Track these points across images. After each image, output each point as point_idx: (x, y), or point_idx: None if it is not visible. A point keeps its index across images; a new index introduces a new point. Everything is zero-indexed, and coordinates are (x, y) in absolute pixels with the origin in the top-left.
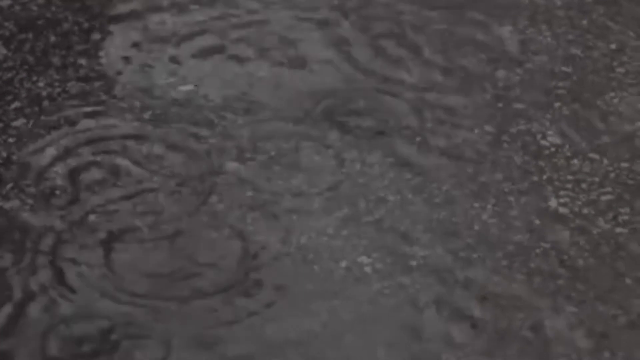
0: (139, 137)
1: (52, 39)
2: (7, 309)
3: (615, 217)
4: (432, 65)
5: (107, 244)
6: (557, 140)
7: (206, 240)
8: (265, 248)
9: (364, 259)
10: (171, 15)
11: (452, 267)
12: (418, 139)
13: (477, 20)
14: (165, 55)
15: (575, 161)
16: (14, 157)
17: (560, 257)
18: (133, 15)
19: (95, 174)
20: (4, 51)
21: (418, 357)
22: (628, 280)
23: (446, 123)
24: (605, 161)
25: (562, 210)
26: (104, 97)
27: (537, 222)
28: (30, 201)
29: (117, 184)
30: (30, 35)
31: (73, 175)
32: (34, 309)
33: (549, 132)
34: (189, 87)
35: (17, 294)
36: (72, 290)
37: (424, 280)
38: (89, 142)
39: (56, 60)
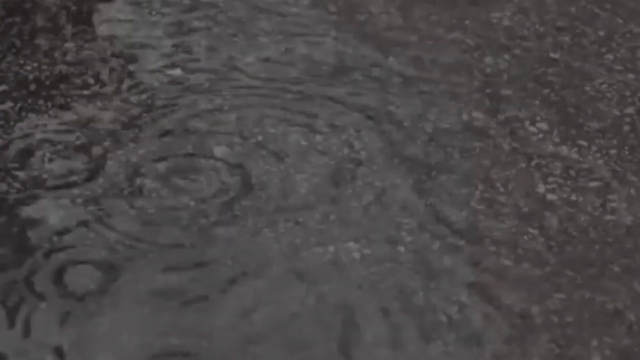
0: (126, 121)
1: (40, 22)
2: None
3: (603, 204)
4: (420, 50)
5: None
6: (546, 126)
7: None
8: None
9: (351, 245)
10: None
11: (440, 253)
12: (406, 124)
13: (466, 6)
14: (153, 39)
15: (564, 148)
16: (1, 141)
17: (548, 244)
18: None
19: (81, 158)
20: None
21: (404, 342)
22: (616, 268)
23: (434, 109)
24: (594, 148)
25: (550, 196)
26: (91, 80)
27: (525, 208)
28: (17, 185)
29: (105, 166)
30: (18, 19)
31: (61, 159)
32: None
33: (537, 119)
34: (177, 72)
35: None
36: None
37: (412, 266)
38: (77, 126)
39: (44, 44)
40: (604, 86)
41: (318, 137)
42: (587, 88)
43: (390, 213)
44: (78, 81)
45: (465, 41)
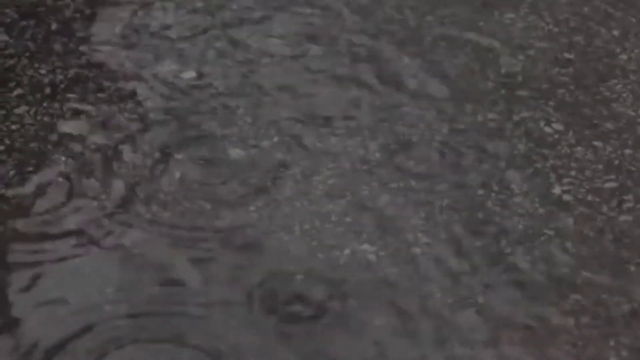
0: (141, 124)
1: (54, 25)
2: None
3: (619, 204)
4: (435, 52)
5: None
6: (560, 127)
7: None
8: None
9: (367, 247)
10: (174, 3)
11: (456, 254)
12: (421, 124)
13: (480, 7)
14: (167, 42)
15: (579, 148)
16: (17, 144)
17: (564, 245)
18: (135, 2)
19: (97, 157)
20: (6, 38)
21: (423, 345)
22: (632, 268)
23: (449, 110)
24: (609, 148)
25: (565, 197)
26: (106, 84)
27: (540, 209)
28: (32, 188)
29: (121, 169)
30: (32, 22)
31: (75, 161)
32: None
33: (552, 119)
34: (191, 74)
35: None
36: None
37: (428, 268)
38: (92, 129)
39: (58, 47)
40: (618, 86)
41: (333, 139)
42: (602, 88)
43: (405, 214)
44: (92, 84)
45: (480, 42)
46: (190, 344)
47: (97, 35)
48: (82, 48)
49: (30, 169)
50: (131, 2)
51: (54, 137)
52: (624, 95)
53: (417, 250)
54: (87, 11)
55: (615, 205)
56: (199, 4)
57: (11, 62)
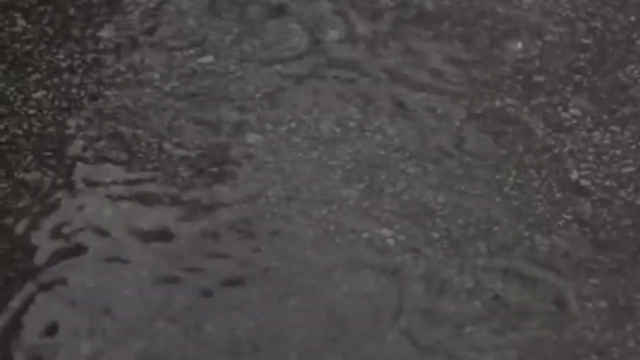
0: (160, 108)
1: (71, 10)
2: None
3: (637, 189)
4: (451, 37)
5: None
6: (578, 112)
7: None
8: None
9: (385, 231)
10: None
11: (474, 239)
12: (439, 110)
13: None
14: (185, 26)
15: (597, 133)
16: (35, 129)
17: (582, 230)
18: None
19: (114, 144)
20: (24, 23)
21: (438, 328)
22: None
23: (466, 95)
24: (627, 133)
25: (583, 182)
26: (123, 69)
27: (559, 194)
28: (51, 173)
29: (137, 156)
30: (50, 7)
31: (94, 146)
32: None
33: (570, 105)
34: (208, 59)
35: None
36: None
37: (446, 253)
38: (110, 114)
39: (75, 32)
40: (635, 72)
41: (351, 124)
42: (619, 74)
43: (423, 200)
44: (110, 70)
45: (497, 27)
46: None
47: (115, 21)
48: (100, 33)
49: (49, 154)
50: None
51: (72, 122)
52: None
53: (435, 235)
54: None
55: (633, 190)
56: None
57: (29, 47)
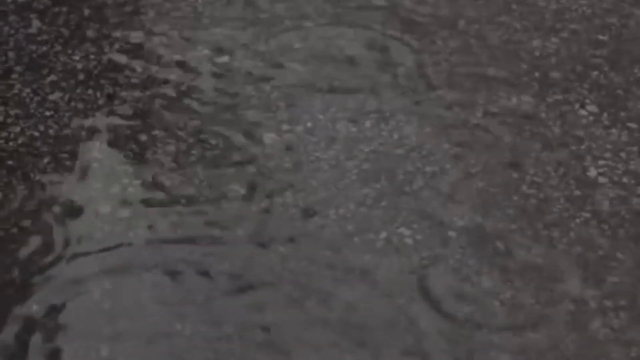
0: (175, 109)
1: (86, 12)
2: None
3: None
4: (468, 35)
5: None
6: (595, 109)
7: None
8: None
9: (403, 230)
10: None
11: (492, 237)
12: (455, 108)
13: None
14: (200, 27)
15: (614, 130)
16: (51, 131)
17: (600, 227)
18: None
19: (130, 145)
20: (39, 24)
21: (458, 325)
22: None
23: (482, 93)
24: None
25: (601, 179)
26: (139, 69)
27: (576, 191)
28: (67, 175)
29: (154, 157)
30: (65, 9)
31: (110, 147)
32: None
33: (587, 101)
34: (224, 59)
35: None
36: None
37: (463, 251)
38: (127, 115)
39: (91, 33)
40: None
41: (367, 123)
42: (636, 70)
43: (440, 198)
44: (126, 70)
45: (513, 24)
46: None
47: (130, 21)
48: (115, 34)
49: (65, 155)
50: None
51: (88, 123)
52: None
53: (452, 233)
54: None
55: None
56: None
57: (44, 48)
